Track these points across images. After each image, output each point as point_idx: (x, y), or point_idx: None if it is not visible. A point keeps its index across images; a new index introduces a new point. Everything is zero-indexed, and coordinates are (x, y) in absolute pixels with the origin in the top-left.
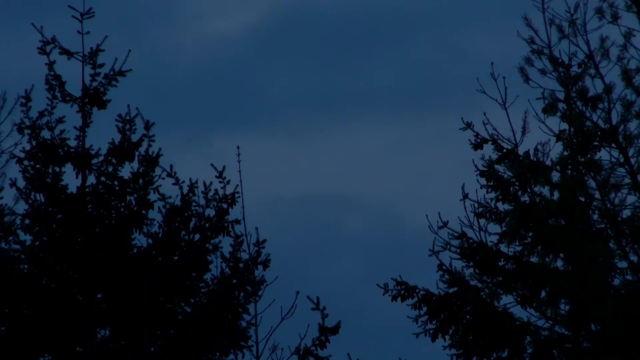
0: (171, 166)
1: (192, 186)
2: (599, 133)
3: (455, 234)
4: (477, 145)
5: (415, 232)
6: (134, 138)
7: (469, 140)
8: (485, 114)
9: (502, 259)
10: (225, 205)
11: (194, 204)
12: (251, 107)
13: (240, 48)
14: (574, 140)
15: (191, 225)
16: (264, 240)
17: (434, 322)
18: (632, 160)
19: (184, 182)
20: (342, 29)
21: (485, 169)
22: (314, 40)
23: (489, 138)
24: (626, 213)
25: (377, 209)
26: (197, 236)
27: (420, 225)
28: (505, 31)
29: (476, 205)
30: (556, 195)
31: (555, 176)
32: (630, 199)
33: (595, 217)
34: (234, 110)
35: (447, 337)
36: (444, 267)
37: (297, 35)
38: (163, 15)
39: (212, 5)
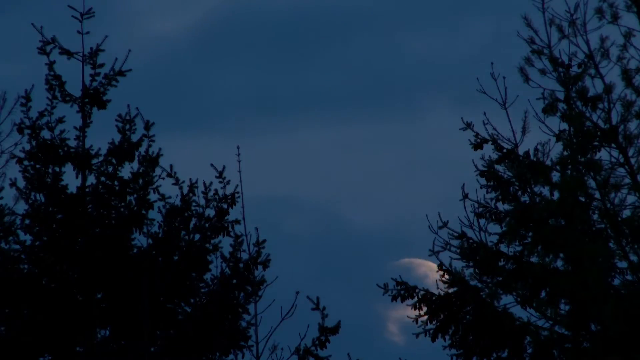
0: (171, 166)
1: (192, 186)
2: (599, 133)
3: (455, 234)
4: (477, 145)
5: (358, 232)
6: (134, 138)
7: (469, 140)
8: (485, 113)
9: (502, 259)
10: (225, 205)
11: (194, 204)
12: (192, 108)
13: (180, 49)
14: (574, 140)
15: (191, 225)
16: (264, 241)
17: (434, 322)
18: (632, 160)
19: (184, 182)
20: (284, 30)
21: (485, 169)
22: (256, 41)
23: (488, 138)
24: (626, 213)
25: (320, 209)
26: (197, 236)
27: (363, 225)
28: (445, 31)
29: (476, 205)
30: (556, 195)
31: (555, 176)
32: (630, 199)
33: (595, 217)
34: (175, 111)
35: (447, 337)
36: (444, 267)
37: (239, 36)
38: (97, 15)
39: (148, 6)
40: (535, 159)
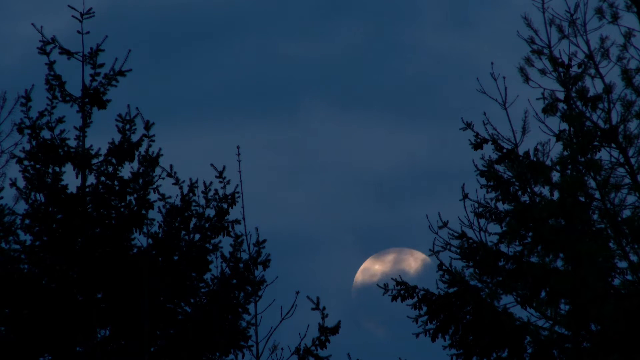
0: (171, 166)
1: (192, 186)
2: (599, 133)
3: (455, 234)
4: (477, 145)
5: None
6: (134, 138)
7: (469, 140)
8: (485, 113)
9: (502, 259)
10: (225, 205)
11: (194, 204)
12: None
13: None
14: (574, 140)
15: (191, 225)
16: (264, 240)
17: (434, 322)
18: (632, 160)
19: (184, 182)
20: (159, 35)
21: (485, 169)
22: (131, 45)
23: (489, 138)
24: (626, 213)
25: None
26: (197, 236)
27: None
28: (321, 34)
29: (476, 205)
30: (556, 195)
31: (555, 176)
32: (630, 199)
33: (595, 217)
34: None
35: (447, 337)
36: (444, 267)
37: (112, 39)
38: None
39: (20, 7)
40: (535, 159)
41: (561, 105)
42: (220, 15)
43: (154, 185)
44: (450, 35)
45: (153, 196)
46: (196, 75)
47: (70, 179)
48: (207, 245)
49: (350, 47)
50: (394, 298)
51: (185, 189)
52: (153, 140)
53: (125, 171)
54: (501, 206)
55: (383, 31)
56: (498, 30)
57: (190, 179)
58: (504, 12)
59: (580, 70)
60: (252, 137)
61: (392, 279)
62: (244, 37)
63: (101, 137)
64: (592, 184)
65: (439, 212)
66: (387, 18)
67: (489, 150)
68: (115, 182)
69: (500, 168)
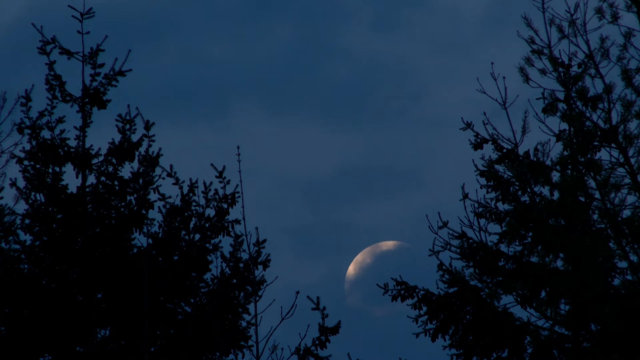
0: (171, 166)
1: (192, 186)
2: (599, 133)
3: (455, 234)
4: (477, 145)
5: None
6: (134, 138)
7: (469, 140)
8: (485, 113)
9: (502, 259)
10: (225, 205)
11: (194, 203)
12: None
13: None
14: (574, 140)
15: (191, 225)
16: (264, 240)
17: (434, 322)
18: (632, 160)
19: (184, 182)
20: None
21: (485, 169)
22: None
23: (489, 138)
24: (626, 213)
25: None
26: (197, 236)
27: None
28: (252, 36)
29: (476, 205)
30: (556, 195)
31: (555, 176)
32: (630, 199)
33: (595, 217)
34: None
35: (447, 337)
36: (444, 267)
37: (36, 39)
38: None
39: None
40: (535, 159)
41: (561, 105)
42: (146, 17)
43: (154, 185)
44: (381, 38)
45: (153, 196)
46: (125, 79)
47: (70, 179)
48: (207, 245)
49: (281, 48)
50: (394, 298)
51: (185, 189)
52: (153, 140)
53: (126, 171)
54: (501, 206)
55: (313, 33)
56: (427, 32)
57: (190, 179)
58: (433, 14)
59: (580, 70)
60: (183, 140)
61: (392, 278)
62: (173, 40)
63: (101, 137)
64: (592, 184)
65: (439, 212)
66: (318, 20)
67: (489, 150)
68: (116, 182)
69: (500, 168)
